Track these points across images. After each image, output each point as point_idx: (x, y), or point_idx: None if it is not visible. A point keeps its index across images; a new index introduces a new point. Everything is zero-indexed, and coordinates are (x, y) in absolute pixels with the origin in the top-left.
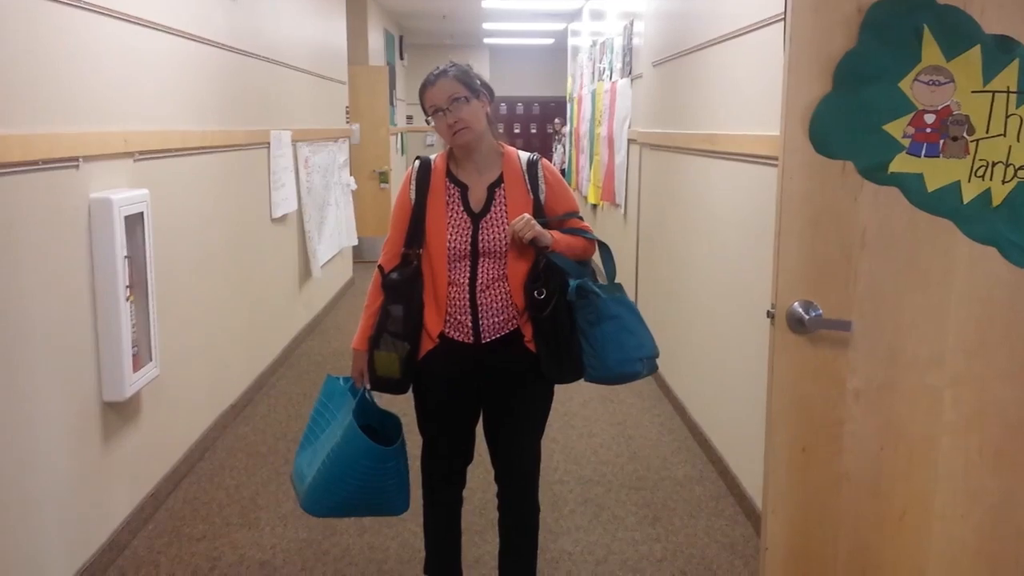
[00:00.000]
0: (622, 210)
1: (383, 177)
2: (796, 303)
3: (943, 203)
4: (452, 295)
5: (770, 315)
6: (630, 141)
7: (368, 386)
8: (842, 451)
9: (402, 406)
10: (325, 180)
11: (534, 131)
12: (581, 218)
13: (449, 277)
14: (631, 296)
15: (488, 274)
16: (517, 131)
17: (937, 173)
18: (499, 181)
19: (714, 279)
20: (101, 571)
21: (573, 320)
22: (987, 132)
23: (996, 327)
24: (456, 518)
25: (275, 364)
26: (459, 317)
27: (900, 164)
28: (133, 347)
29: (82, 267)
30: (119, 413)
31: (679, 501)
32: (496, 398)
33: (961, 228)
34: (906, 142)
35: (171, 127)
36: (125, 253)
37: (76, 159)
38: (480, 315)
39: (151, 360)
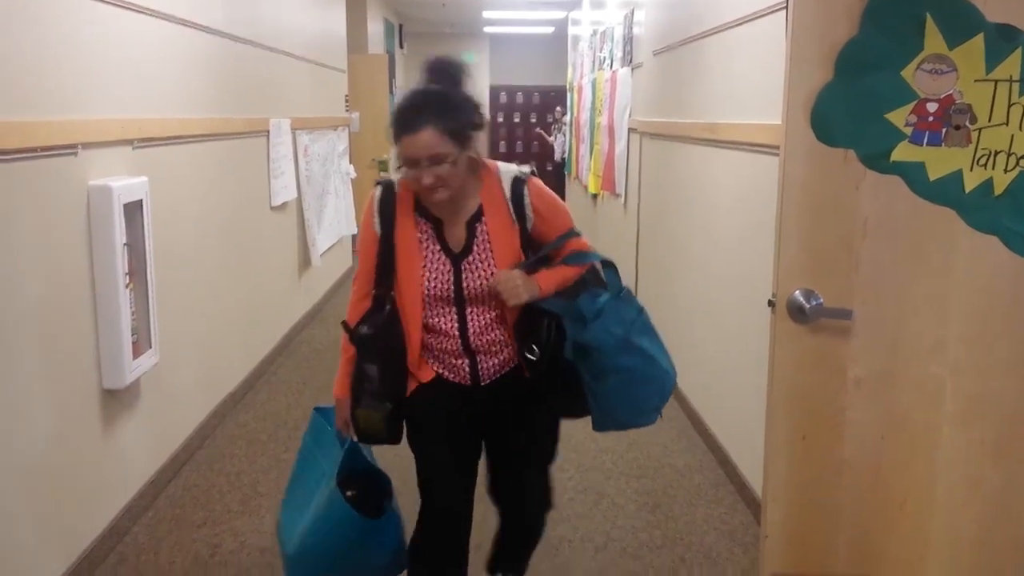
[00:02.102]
0: (622, 200)
1: (383, 166)
2: (797, 292)
3: (945, 192)
4: (440, 344)
5: (771, 304)
6: (630, 130)
7: (354, 438)
8: (842, 440)
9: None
10: (324, 168)
11: (533, 120)
12: (578, 234)
13: (429, 324)
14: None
15: (480, 320)
16: (517, 120)
17: (939, 162)
18: (479, 215)
19: (715, 269)
20: (101, 558)
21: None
22: (989, 121)
23: (998, 316)
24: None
25: (275, 352)
26: (453, 362)
27: (902, 153)
28: (132, 334)
29: (81, 254)
30: (119, 400)
31: (679, 489)
32: (499, 431)
33: (963, 217)
34: (908, 131)
35: (170, 115)
36: (124, 241)
37: (75, 146)
38: (478, 360)
39: (150, 347)
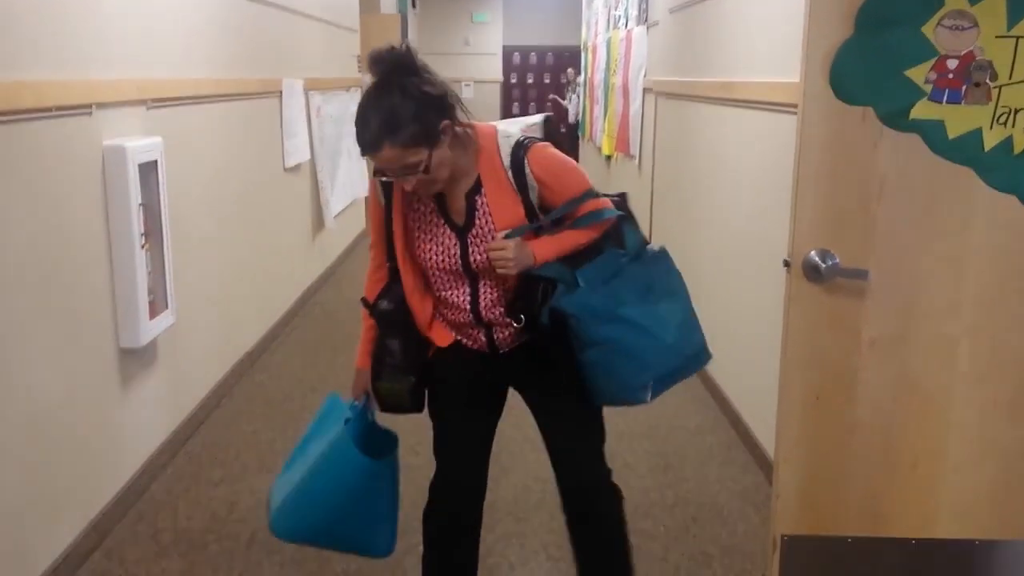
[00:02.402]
0: (636, 161)
1: None
2: (813, 252)
3: (964, 150)
4: (455, 317)
5: (786, 264)
6: (645, 90)
7: (376, 408)
8: (855, 400)
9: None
10: (337, 130)
11: (547, 81)
12: (596, 195)
13: (442, 297)
14: None
15: (492, 293)
16: (530, 81)
17: (958, 120)
18: (478, 187)
19: (730, 229)
20: (120, 515)
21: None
22: (1010, 78)
23: (1015, 277)
24: (475, 510)
25: (289, 313)
26: (470, 332)
27: (921, 110)
28: (149, 295)
29: (97, 215)
30: (136, 360)
31: (691, 449)
32: (530, 398)
33: (981, 176)
34: (928, 88)
35: (184, 75)
36: (140, 201)
37: (89, 106)
38: (494, 331)
39: (167, 308)
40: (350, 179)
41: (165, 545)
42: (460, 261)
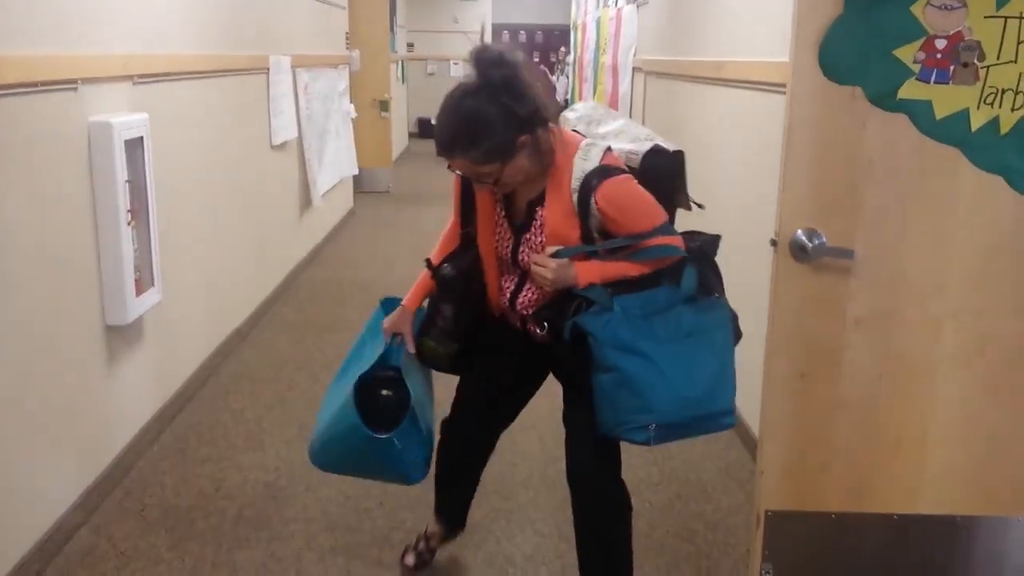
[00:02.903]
0: None
1: (383, 106)
2: (800, 231)
3: (951, 131)
4: (497, 299)
5: (773, 243)
6: (635, 70)
7: (407, 347)
8: (840, 378)
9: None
10: (325, 108)
11: (537, 59)
12: (669, 231)
13: (497, 284)
14: None
15: (533, 294)
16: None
17: (946, 100)
18: (541, 198)
19: (717, 209)
20: (108, 491)
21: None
22: (998, 59)
23: (1000, 258)
24: (471, 459)
25: (277, 292)
26: (510, 315)
27: (909, 90)
28: (135, 272)
29: (83, 191)
30: (122, 337)
31: None
32: (562, 382)
33: (968, 157)
34: (916, 68)
35: (170, 50)
36: (126, 177)
37: (75, 81)
38: (528, 324)
39: (153, 285)
40: (337, 158)
41: (152, 521)
42: (511, 255)
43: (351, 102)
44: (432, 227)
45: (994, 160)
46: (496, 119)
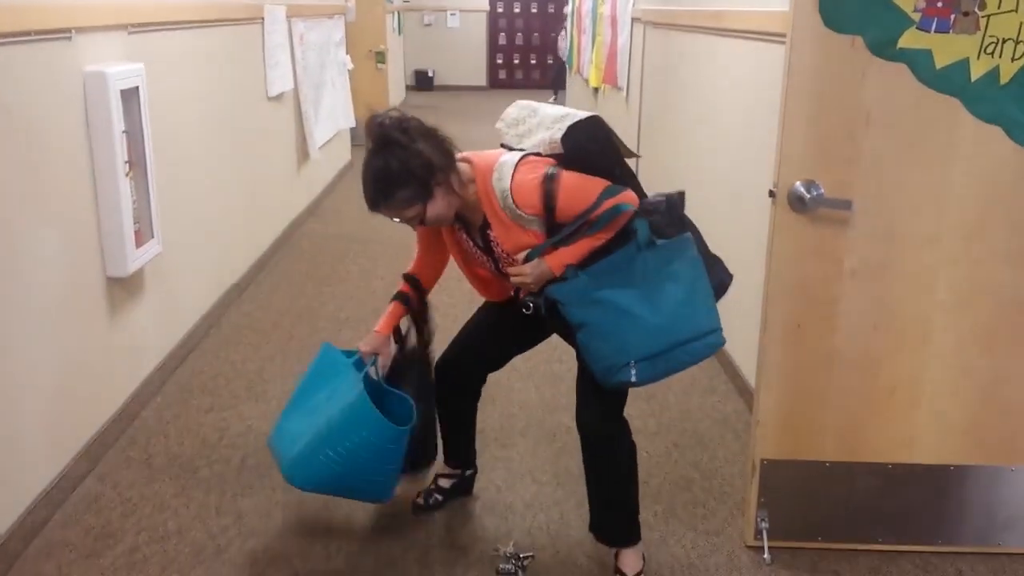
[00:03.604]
0: (624, 93)
1: (380, 57)
2: (798, 182)
3: (951, 80)
4: (487, 293)
5: (772, 194)
6: (634, 20)
7: (383, 370)
8: (836, 329)
9: None
10: (321, 59)
11: (534, 10)
12: (614, 191)
13: (491, 292)
14: None
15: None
16: (517, 10)
17: (946, 49)
18: (486, 224)
19: (716, 161)
20: (112, 440)
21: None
22: (999, 7)
23: (997, 208)
24: (462, 397)
25: (276, 244)
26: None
27: (909, 39)
28: (134, 224)
29: (80, 142)
30: (123, 288)
31: (673, 379)
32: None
33: (967, 107)
34: (916, 16)
35: None
36: (123, 128)
37: (69, 31)
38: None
39: (153, 237)
40: (334, 110)
41: (157, 469)
42: (493, 268)
43: (347, 53)
44: None
45: (993, 110)
46: (400, 170)
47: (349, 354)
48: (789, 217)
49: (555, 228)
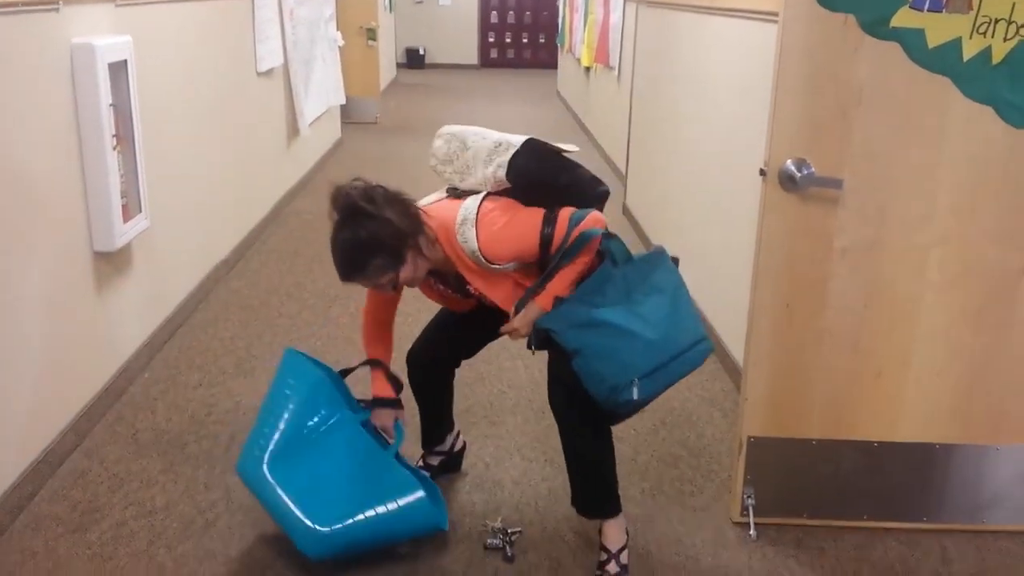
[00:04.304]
0: (616, 72)
1: (371, 34)
2: (789, 161)
3: (943, 60)
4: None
5: (762, 173)
6: None
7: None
8: (825, 308)
9: None
10: (311, 34)
11: None
12: (577, 220)
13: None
14: None
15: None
16: None
17: (939, 28)
18: (462, 277)
19: (708, 141)
20: (99, 416)
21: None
22: None
23: (988, 188)
24: (434, 384)
25: (265, 221)
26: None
27: (902, 18)
28: (122, 198)
29: (67, 115)
30: (111, 263)
31: None
32: None
33: (959, 87)
34: None
35: None
36: (110, 101)
37: (56, 2)
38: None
39: (140, 212)
40: (324, 87)
41: (144, 445)
42: (477, 304)
43: (337, 30)
44: (421, 157)
45: (984, 91)
46: (369, 241)
47: (317, 363)
48: (780, 196)
49: (533, 264)
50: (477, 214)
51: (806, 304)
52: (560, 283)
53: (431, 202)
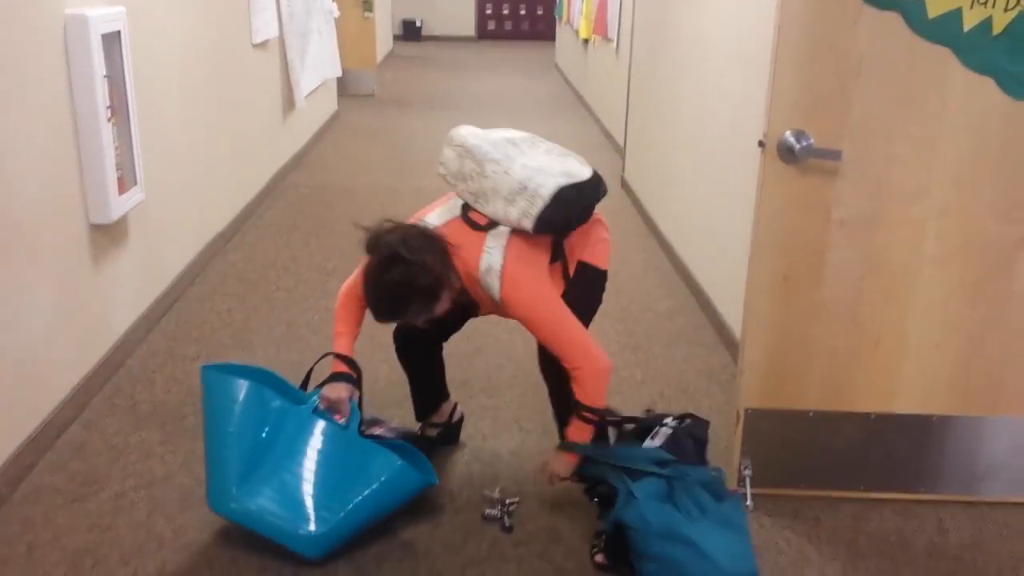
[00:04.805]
0: (614, 44)
1: (367, 6)
2: (788, 132)
3: (943, 30)
4: None
5: (761, 144)
6: None
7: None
8: (823, 280)
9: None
10: (306, 6)
11: None
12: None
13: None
14: None
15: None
16: None
17: None
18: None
19: (706, 113)
20: (97, 388)
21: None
22: None
23: (987, 160)
24: (423, 358)
25: (262, 194)
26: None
27: None
28: (117, 170)
29: (61, 87)
30: (107, 236)
31: (660, 331)
32: None
33: (959, 57)
34: None
35: None
36: (104, 73)
37: None
38: None
39: (136, 184)
40: (320, 59)
41: (143, 416)
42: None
43: (333, 1)
44: (419, 131)
45: (985, 61)
46: (408, 287)
47: (241, 370)
48: (778, 167)
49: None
50: (502, 268)
51: (804, 276)
52: (581, 435)
53: (444, 220)
